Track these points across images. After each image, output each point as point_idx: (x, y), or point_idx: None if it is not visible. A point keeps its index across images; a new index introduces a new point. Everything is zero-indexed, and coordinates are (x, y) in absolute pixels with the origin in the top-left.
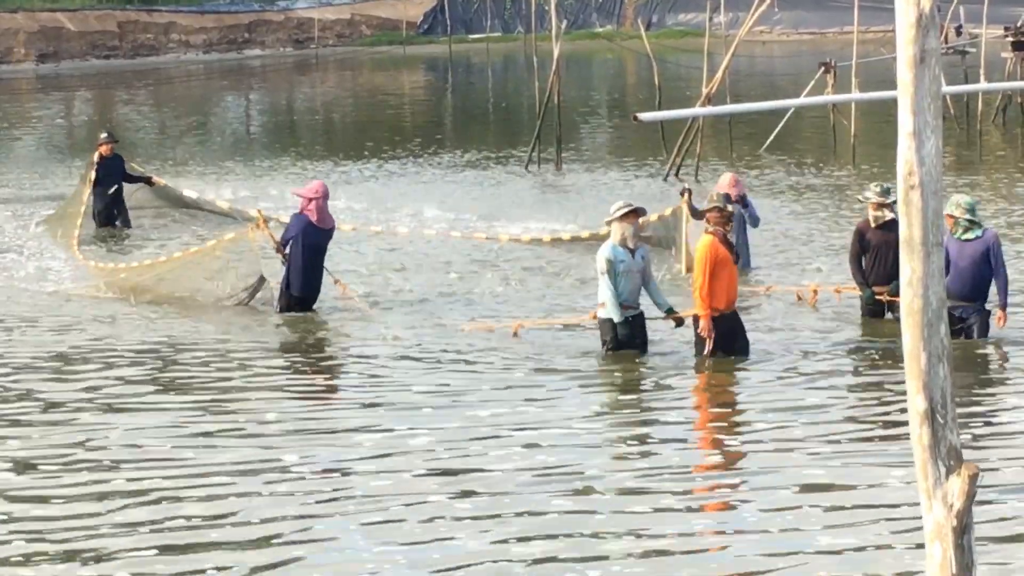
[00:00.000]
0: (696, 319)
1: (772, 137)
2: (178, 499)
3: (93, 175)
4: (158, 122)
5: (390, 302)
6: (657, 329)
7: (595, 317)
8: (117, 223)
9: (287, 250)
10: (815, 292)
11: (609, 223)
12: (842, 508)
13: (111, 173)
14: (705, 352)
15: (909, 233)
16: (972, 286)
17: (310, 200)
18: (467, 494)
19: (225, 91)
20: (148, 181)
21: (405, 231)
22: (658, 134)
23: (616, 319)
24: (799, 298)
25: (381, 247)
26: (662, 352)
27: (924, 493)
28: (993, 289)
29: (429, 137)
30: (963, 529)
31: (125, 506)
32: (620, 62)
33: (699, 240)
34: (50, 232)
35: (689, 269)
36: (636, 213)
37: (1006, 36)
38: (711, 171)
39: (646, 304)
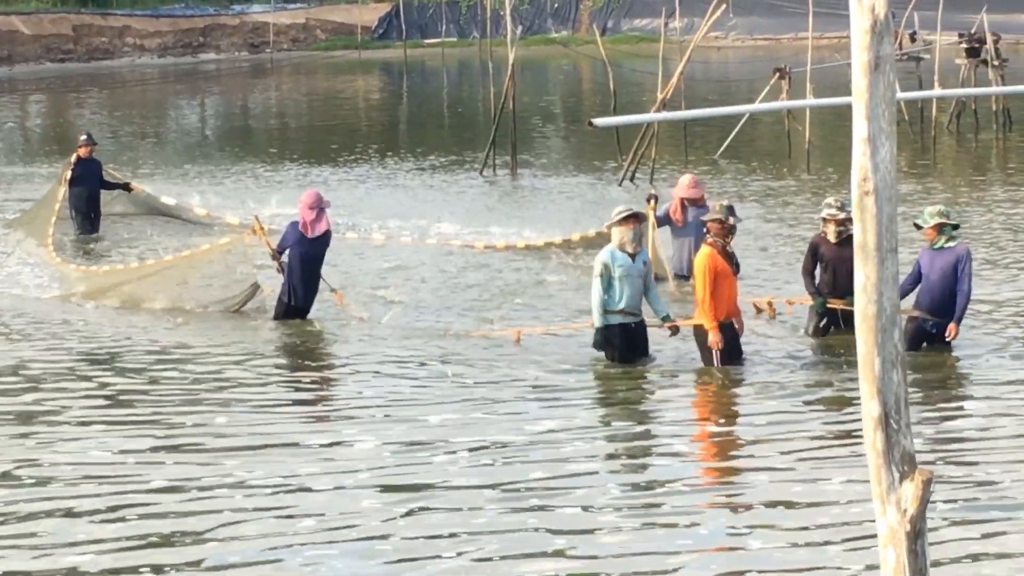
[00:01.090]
0: (696, 330)
1: (727, 143)
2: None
3: (69, 174)
4: (112, 126)
5: (383, 310)
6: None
7: (593, 324)
8: (97, 231)
9: (284, 258)
10: (770, 304)
11: (609, 227)
12: (798, 512)
13: (88, 175)
14: (715, 364)
15: (864, 239)
16: (942, 300)
17: (300, 208)
18: (432, 510)
19: (180, 95)
20: (126, 187)
21: (381, 238)
22: (613, 139)
23: (596, 323)
24: (757, 310)
25: (359, 254)
26: (660, 361)
27: (878, 498)
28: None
29: (384, 142)
30: (916, 534)
31: (81, 521)
32: (575, 68)
33: (699, 252)
34: (21, 234)
35: (658, 279)
36: (636, 217)
37: (960, 43)
38: (666, 177)
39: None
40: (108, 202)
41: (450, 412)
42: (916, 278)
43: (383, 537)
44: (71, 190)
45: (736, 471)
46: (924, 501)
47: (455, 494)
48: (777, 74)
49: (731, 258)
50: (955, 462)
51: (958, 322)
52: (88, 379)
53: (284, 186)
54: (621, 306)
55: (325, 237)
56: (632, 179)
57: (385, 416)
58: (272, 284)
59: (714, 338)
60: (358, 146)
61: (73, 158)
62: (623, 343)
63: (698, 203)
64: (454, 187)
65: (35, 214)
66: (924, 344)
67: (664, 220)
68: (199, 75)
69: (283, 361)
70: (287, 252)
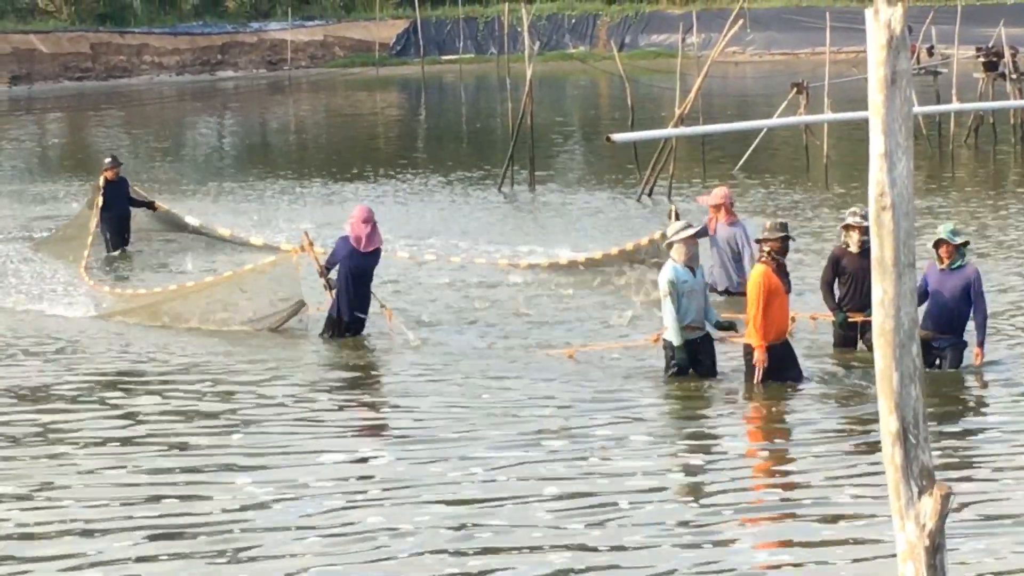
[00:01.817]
0: (747, 348)
1: (745, 157)
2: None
3: (100, 200)
4: (131, 144)
5: (433, 329)
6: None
7: (658, 340)
8: (128, 248)
9: (332, 274)
10: (792, 319)
11: (670, 245)
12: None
13: (117, 198)
14: (755, 381)
15: (881, 254)
16: (949, 319)
17: (351, 223)
18: (485, 526)
19: (198, 113)
20: (151, 206)
21: (432, 257)
22: (631, 155)
23: (676, 342)
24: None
25: (403, 272)
26: (718, 378)
27: (896, 513)
28: (971, 324)
29: (402, 158)
30: (935, 549)
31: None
32: (593, 83)
33: (753, 270)
34: (52, 256)
35: None
36: (698, 235)
37: (978, 57)
38: (684, 192)
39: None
40: (131, 219)
41: (503, 431)
42: (922, 295)
43: (437, 552)
44: (103, 215)
45: (777, 486)
46: (943, 516)
47: (508, 510)
48: (795, 89)
49: (786, 276)
50: (974, 477)
51: (981, 345)
52: (125, 397)
53: (304, 204)
54: (687, 321)
55: (376, 252)
56: (650, 194)
57: (435, 437)
58: (317, 301)
59: (759, 357)
60: (377, 162)
61: (101, 181)
62: (689, 358)
63: (729, 214)
64: (473, 203)
65: (66, 236)
66: (935, 363)
67: (702, 233)
68: (217, 93)
69: (328, 379)
70: (336, 268)
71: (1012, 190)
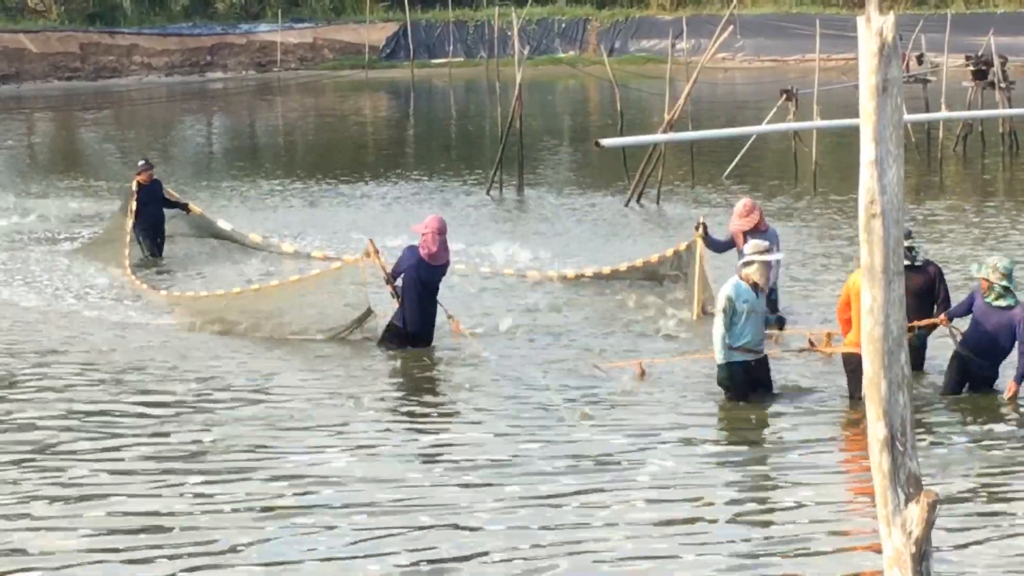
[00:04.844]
0: (847, 356)
1: (734, 164)
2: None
3: (134, 205)
4: (120, 144)
5: (495, 340)
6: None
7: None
8: (160, 254)
9: (398, 283)
10: (828, 337)
11: (747, 263)
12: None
13: (151, 201)
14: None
15: (870, 261)
16: (991, 349)
17: (425, 234)
18: (554, 543)
19: (187, 114)
20: (185, 208)
21: (487, 270)
22: (620, 160)
23: (719, 360)
24: (811, 345)
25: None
26: (779, 394)
27: (883, 520)
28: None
29: (391, 161)
30: (922, 556)
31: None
32: (582, 88)
33: (851, 275)
34: (93, 261)
35: (706, 313)
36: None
37: (967, 65)
38: (673, 198)
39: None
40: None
41: (571, 447)
42: (966, 310)
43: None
44: (137, 220)
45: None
46: (930, 523)
47: (585, 531)
48: (784, 96)
49: None
50: (962, 484)
51: (1019, 381)
52: (199, 406)
53: (292, 207)
54: (743, 342)
55: (445, 266)
56: (639, 200)
57: (502, 456)
58: (385, 309)
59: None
60: (365, 165)
61: (134, 186)
62: (744, 382)
63: (757, 228)
64: (461, 206)
65: (102, 241)
66: (966, 385)
67: (728, 245)
68: (207, 94)
69: (393, 390)
70: (401, 277)
71: (1000, 198)
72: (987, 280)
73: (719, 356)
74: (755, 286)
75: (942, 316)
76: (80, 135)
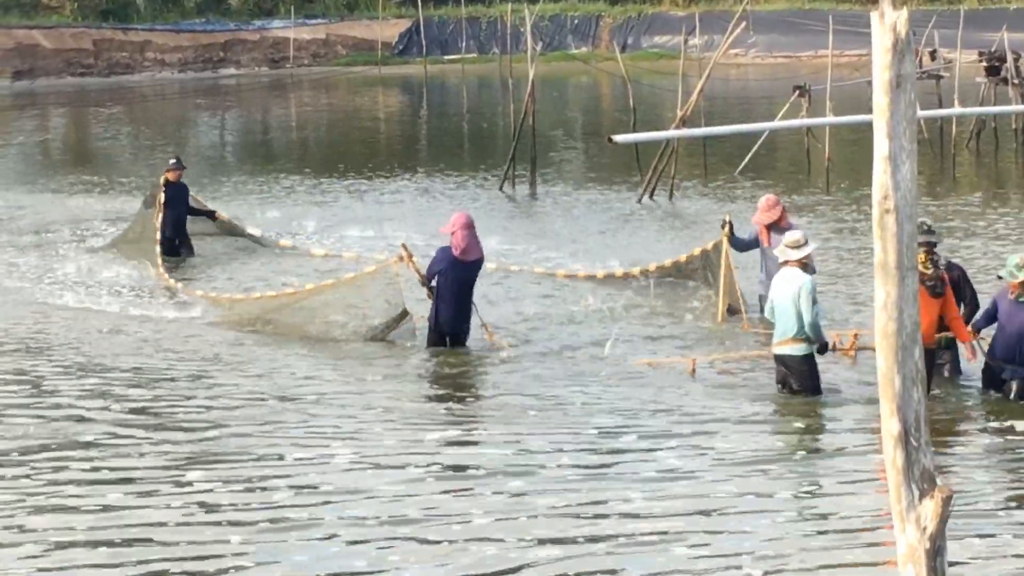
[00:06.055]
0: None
1: (746, 160)
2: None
3: (163, 197)
4: (133, 140)
5: (528, 344)
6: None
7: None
8: (182, 252)
9: (433, 283)
10: (855, 337)
11: (807, 257)
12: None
13: (176, 200)
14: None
15: (884, 257)
16: (1017, 350)
17: (453, 232)
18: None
19: (200, 110)
20: (211, 215)
21: (517, 268)
22: (632, 156)
23: (826, 340)
24: (834, 347)
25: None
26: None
27: (897, 516)
28: None
29: (404, 157)
30: (936, 552)
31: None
32: (595, 84)
33: None
34: (123, 259)
35: (731, 313)
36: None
37: (980, 61)
38: (685, 194)
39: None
40: (190, 224)
41: (610, 457)
42: (990, 318)
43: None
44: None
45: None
46: (944, 519)
47: (635, 523)
48: (797, 92)
49: (927, 279)
50: (976, 480)
51: None
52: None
53: (304, 204)
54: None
55: (479, 262)
56: (652, 196)
57: (533, 464)
58: (422, 311)
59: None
60: (378, 162)
61: (162, 181)
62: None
63: (779, 224)
64: (474, 203)
65: (130, 238)
66: (995, 391)
67: (753, 243)
68: (219, 90)
69: (429, 393)
70: (436, 277)
71: (1013, 194)
72: (1018, 283)
73: (825, 335)
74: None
75: (968, 330)
76: (94, 131)
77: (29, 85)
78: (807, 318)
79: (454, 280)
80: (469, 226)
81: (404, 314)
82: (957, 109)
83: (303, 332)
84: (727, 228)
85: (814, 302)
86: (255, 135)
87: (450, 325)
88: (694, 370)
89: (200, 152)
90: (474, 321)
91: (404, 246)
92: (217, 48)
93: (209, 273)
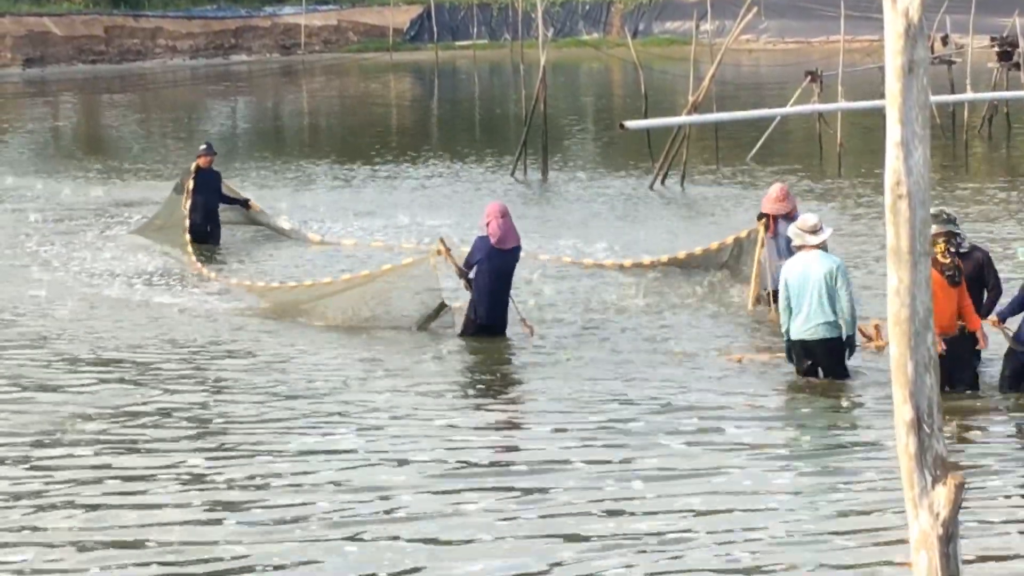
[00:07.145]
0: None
1: (759, 146)
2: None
3: (191, 184)
4: (144, 127)
5: (562, 336)
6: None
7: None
8: (210, 240)
9: (471, 274)
10: (877, 328)
11: (822, 242)
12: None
13: (206, 186)
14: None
15: (896, 243)
16: None
17: (488, 222)
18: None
19: (212, 96)
20: (245, 204)
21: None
22: (644, 142)
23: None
24: (864, 337)
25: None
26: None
27: (910, 502)
28: None
29: (415, 144)
30: (949, 538)
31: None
32: (606, 70)
33: None
34: (152, 245)
35: (758, 303)
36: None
37: (992, 46)
38: (697, 180)
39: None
40: (221, 212)
41: (669, 441)
42: (1020, 306)
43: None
44: (189, 202)
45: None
46: (956, 505)
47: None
48: (809, 77)
49: (945, 269)
50: (988, 467)
51: None
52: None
53: (316, 190)
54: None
55: (517, 249)
56: (663, 182)
57: (563, 460)
58: (458, 301)
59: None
60: (389, 148)
61: (192, 167)
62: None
63: (789, 216)
64: (486, 188)
65: (158, 225)
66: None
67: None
68: (231, 77)
69: (468, 386)
70: (474, 268)
71: None
72: None
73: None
74: None
75: (993, 318)
76: (106, 119)
77: (40, 72)
78: (844, 300)
79: (493, 269)
80: (504, 214)
81: (442, 306)
82: (969, 95)
83: (337, 323)
84: (766, 220)
85: (849, 283)
86: (267, 122)
87: (488, 316)
88: (740, 361)
89: (212, 139)
90: (511, 315)
91: (442, 240)
92: (228, 35)
93: (238, 261)
